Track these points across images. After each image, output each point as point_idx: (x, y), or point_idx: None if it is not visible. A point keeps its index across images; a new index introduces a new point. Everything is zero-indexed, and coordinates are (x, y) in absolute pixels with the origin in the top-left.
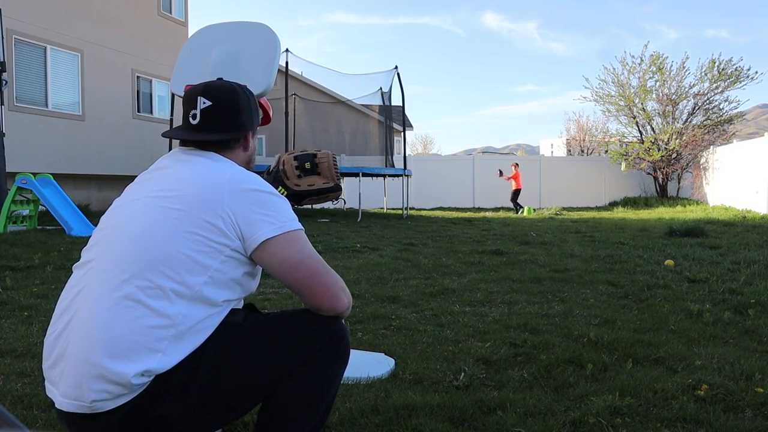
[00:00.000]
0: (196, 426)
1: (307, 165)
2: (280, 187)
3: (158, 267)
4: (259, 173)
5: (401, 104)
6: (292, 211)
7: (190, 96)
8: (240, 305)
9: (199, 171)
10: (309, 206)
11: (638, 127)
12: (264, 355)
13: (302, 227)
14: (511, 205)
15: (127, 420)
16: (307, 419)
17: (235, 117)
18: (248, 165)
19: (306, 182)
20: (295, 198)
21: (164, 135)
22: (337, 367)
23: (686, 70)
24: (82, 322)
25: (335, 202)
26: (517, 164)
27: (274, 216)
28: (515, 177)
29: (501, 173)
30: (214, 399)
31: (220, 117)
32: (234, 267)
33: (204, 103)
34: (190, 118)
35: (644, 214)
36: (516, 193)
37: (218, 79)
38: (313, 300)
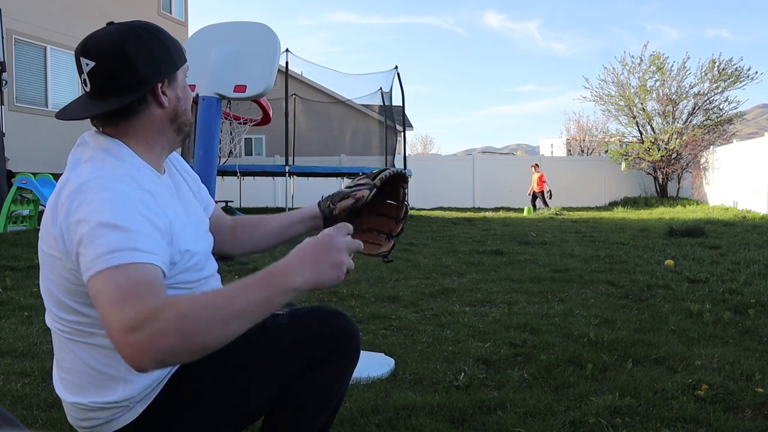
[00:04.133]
0: None
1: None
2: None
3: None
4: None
5: (401, 104)
6: (115, 242)
7: (75, 57)
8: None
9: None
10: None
11: (638, 127)
12: (274, 363)
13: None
14: (541, 205)
15: None
16: (316, 419)
17: (128, 73)
18: (176, 122)
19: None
20: (333, 199)
21: (57, 116)
22: (346, 367)
23: (686, 70)
24: (55, 355)
25: (385, 259)
26: (537, 165)
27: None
28: (540, 179)
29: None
30: (223, 413)
31: (110, 78)
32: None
33: (87, 64)
34: (83, 85)
35: (644, 214)
36: (539, 196)
37: (108, 23)
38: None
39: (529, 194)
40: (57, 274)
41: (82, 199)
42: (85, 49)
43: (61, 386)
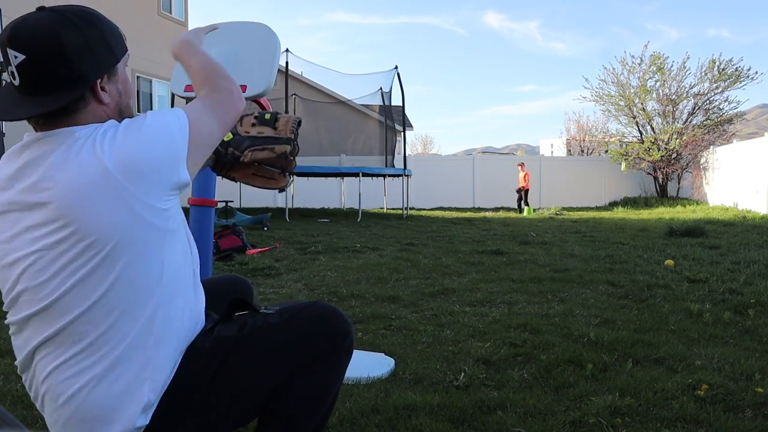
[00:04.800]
0: None
1: (267, 116)
2: (228, 134)
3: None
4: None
5: (401, 104)
6: (167, 118)
7: (2, 48)
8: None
9: (62, 183)
10: (253, 186)
11: (638, 127)
12: (266, 365)
13: (182, 114)
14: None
15: None
16: (310, 419)
17: (65, 68)
18: (121, 116)
19: (256, 130)
20: (237, 145)
21: None
22: (340, 365)
23: (686, 70)
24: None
25: (281, 191)
26: (522, 164)
27: (174, 153)
28: (525, 177)
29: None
30: (219, 418)
31: (43, 73)
32: (176, 222)
33: (16, 57)
34: (12, 78)
35: (644, 214)
36: (524, 193)
37: (38, 8)
38: (232, 123)
39: (518, 191)
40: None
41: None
42: (13, 39)
43: None
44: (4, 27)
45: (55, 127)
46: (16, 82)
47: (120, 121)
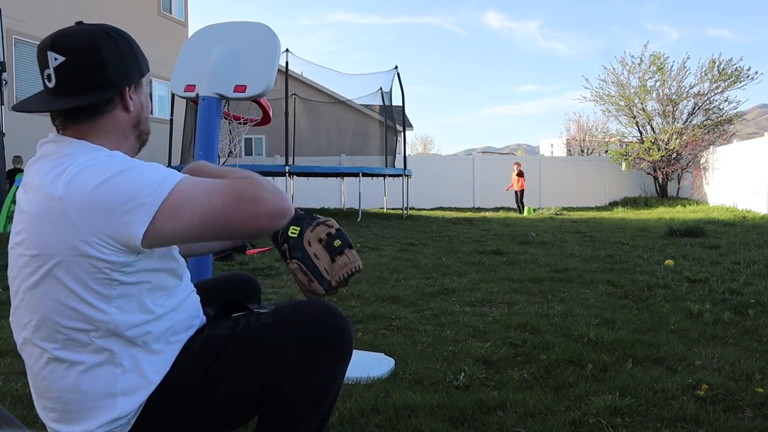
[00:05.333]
0: None
1: (336, 243)
2: (295, 229)
3: (62, 323)
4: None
5: (401, 104)
6: (158, 173)
7: (40, 52)
8: (184, 283)
9: (35, 192)
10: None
11: (638, 127)
12: (261, 365)
13: (179, 177)
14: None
15: None
16: (309, 419)
17: (99, 72)
18: (138, 128)
19: (317, 249)
20: (293, 249)
21: (15, 108)
22: (339, 365)
23: (686, 70)
24: (34, 388)
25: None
26: (518, 164)
27: (135, 199)
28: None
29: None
30: (212, 418)
31: (80, 75)
32: (139, 277)
33: (56, 59)
34: (46, 80)
35: (644, 214)
36: (518, 194)
37: (77, 22)
38: (250, 232)
39: (516, 190)
40: (78, 270)
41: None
42: (55, 44)
43: (53, 420)
44: (4, 27)
45: (77, 130)
46: (51, 84)
47: (136, 135)
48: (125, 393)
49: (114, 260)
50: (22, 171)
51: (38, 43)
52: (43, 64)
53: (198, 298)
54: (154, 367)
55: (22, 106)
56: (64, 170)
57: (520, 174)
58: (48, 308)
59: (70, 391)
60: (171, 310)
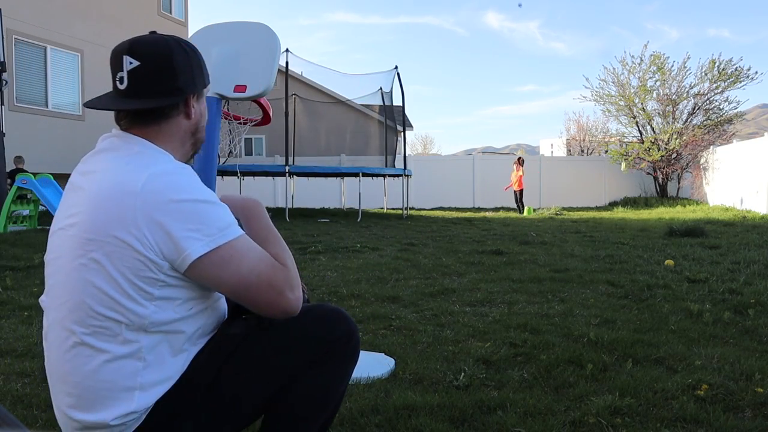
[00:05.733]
0: None
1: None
2: None
3: (97, 309)
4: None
5: (401, 104)
6: (229, 217)
7: (116, 55)
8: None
9: (104, 184)
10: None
11: (638, 127)
12: (268, 368)
13: (240, 232)
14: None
15: None
16: (315, 420)
17: (169, 79)
18: (195, 135)
19: None
20: None
21: (86, 105)
22: (345, 367)
23: (687, 70)
24: (53, 373)
25: None
26: (519, 160)
27: (201, 228)
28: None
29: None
30: (221, 417)
31: (151, 79)
32: (177, 289)
33: (131, 63)
34: (117, 83)
35: (644, 214)
36: (517, 193)
37: (151, 32)
38: (260, 312)
39: (515, 190)
40: (126, 264)
41: (167, 184)
42: (132, 49)
43: (68, 406)
44: (4, 27)
45: (141, 129)
46: (123, 86)
47: (191, 143)
48: (143, 388)
49: (160, 264)
50: (23, 171)
51: (38, 43)
52: (117, 66)
53: (225, 303)
54: (175, 366)
55: (93, 104)
56: (143, 167)
57: (521, 163)
58: (88, 293)
59: (91, 378)
60: (202, 311)
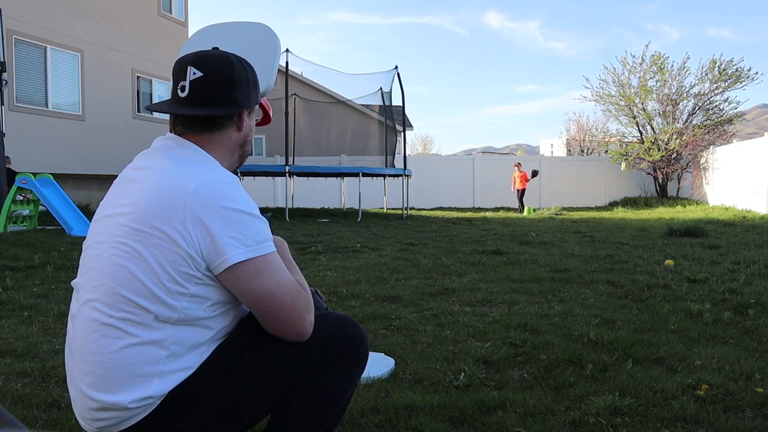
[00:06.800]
0: None
1: None
2: None
3: (131, 297)
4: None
5: (401, 104)
6: (268, 232)
7: (181, 65)
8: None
9: (159, 180)
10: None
11: (638, 127)
12: (282, 365)
13: (275, 249)
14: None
15: None
16: (322, 421)
17: (228, 91)
18: (243, 148)
19: None
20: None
21: (148, 108)
22: (354, 370)
23: (687, 70)
24: (76, 352)
25: None
26: (519, 164)
27: (242, 237)
28: (523, 177)
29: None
30: (232, 411)
31: (212, 90)
32: (210, 289)
33: (194, 73)
34: (179, 90)
35: (644, 214)
36: (519, 193)
37: (214, 48)
38: (273, 330)
39: (517, 189)
40: (167, 257)
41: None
42: (197, 61)
43: (87, 385)
44: (4, 27)
45: (195, 135)
46: (184, 94)
47: (239, 154)
48: (162, 375)
49: (198, 262)
50: (8, 170)
51: (38, 43)
52: (180, 75)
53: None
54: (195, 359)
55: (154, 108)
56: (197, 171)
57: (519, 167)
58: (126, 280)
59: (114, 359)
60: (228, 311)
